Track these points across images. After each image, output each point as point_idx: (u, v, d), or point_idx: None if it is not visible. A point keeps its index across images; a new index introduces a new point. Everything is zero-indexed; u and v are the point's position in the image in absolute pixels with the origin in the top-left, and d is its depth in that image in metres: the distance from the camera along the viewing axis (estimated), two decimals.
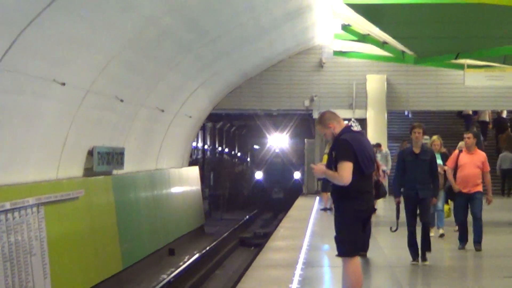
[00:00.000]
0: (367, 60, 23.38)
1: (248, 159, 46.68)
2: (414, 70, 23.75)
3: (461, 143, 13.57)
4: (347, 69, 24.32)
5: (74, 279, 12.47)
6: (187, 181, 23.34)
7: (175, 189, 21.35)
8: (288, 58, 24.32)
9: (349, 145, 6.60)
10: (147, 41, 13.53)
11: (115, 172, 15.35)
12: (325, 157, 14.50)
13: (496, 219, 15.81)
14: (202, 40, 16.33)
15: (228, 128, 40.85)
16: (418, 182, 10.22)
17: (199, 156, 33.86)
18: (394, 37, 16.37)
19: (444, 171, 12.17)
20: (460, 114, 27.91)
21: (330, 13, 18.42)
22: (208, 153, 36.12)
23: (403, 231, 10.45)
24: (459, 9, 12.84)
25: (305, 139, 28.99)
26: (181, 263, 17.79)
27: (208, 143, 36.06)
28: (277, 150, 35.85)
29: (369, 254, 10.96)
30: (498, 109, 26.71)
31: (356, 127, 6.84)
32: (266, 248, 13.05)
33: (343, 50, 22.29)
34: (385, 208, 18.95)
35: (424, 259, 10.33)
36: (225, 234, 23.24)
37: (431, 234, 11.84)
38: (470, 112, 27.45)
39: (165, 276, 16.34)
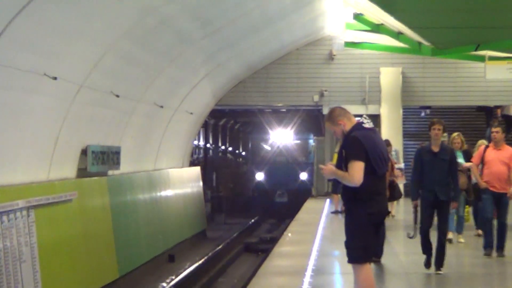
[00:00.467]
0: (381, 52, 23.39)
1: (246, 156, 45.43)
2: (431, 62, 23.73)
3: (480, 141, 13.56)
4: (359, 61, 24.27)
5: None
6: (188, 182, 23.36)
7: (175, 191, 21.36)
8: (296, 50, 24.29)
9: (360, 143, 6.57)
10: (145, 31, 13.53)
11: (110, 172, 15.38)
12: (335, 156, 14.46)
13: None
14: (204, 30, 16.33)
15: (232, 125, 40.86)
16: (437, 184, 10.08)
17: (201, 156, 33.87)
18: (409, 27, 16.34)
19: (468, 169, 12.14)
20: (480, 106, 27.79)
21: (341, 2, 18.43)
22: (211, 152, 36.11)
23: None
24: None
25: (314, 137, 28.70)
26: (181, 270, 17.79)
27: (211, 141, 36.04)
28: (280, 147, 33.91)
29: (383, 260, 10.96)
30: None
31: (368, 124, 6.82)
32: (272, 254, 13.04)
33: (355, 41, 22.29)
34: (402, 211, 18.92)
35: (438, 268, 10.17)
36: (229, 239, 23.26)
37: (449, 236, 11.79)
38: (492, 105, 27.35)
39: (164, 284, 16.36)
